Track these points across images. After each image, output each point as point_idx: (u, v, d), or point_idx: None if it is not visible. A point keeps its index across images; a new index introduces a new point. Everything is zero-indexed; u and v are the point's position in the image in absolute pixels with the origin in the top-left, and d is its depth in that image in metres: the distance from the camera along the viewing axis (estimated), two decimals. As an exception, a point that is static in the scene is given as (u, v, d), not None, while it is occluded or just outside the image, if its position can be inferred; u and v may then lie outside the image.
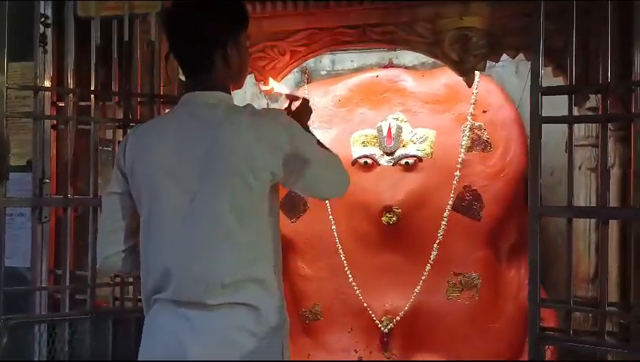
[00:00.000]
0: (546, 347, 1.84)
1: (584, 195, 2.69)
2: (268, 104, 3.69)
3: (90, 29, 2.24)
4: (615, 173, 2.19)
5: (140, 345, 1.34)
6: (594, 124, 2.18)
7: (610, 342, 1.87)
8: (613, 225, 2.16)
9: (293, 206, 3.16)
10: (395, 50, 3.20)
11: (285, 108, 1.57)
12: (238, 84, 1.44)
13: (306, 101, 1.58)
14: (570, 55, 1.89)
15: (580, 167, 2.84)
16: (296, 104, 1.58)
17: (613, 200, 2.17)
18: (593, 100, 2.11)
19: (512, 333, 2.90)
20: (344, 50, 3.29)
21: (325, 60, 3.49)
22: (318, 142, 1.43)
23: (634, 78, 1.87)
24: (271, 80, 1.89)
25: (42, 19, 2.30)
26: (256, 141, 1.26)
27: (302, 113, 1.55)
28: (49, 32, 2.33)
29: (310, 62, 3.43)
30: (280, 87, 1.85)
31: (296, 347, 3.12)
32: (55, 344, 2.22)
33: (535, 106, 1.87)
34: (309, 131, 1.51)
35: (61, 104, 2.34)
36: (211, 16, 1.32)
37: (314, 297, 3.17)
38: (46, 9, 2.36)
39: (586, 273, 2.57)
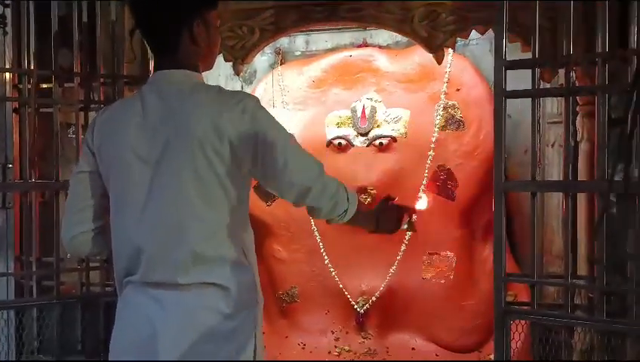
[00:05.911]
0: (511, 321, 1.84)
1: (557, 171, 2.70)
2: (242, 86, 3.65)
3: (50, 9, 2.17)
4: (583, 147, 2.19)
5: (113, 328, 1.32)
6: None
7: (576, 314, 1.88)
8: (582, 201, 2.16)
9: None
10: (366, 30, 3.16)
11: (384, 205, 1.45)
12: (208, 64, 1.40)
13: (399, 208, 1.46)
14: (535, 29, 1.87)
15: (552, 145, 2.84)
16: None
17: (582, 175, 2.17)
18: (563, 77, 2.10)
19: (488, 310, 2.91)
20: (318, 30, 3.25)
21: (299, 41, 3.45)
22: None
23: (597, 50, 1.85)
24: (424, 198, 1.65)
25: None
26: (218, 118, 1.23)
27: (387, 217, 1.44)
28: (8, 12, 2.27)
29: (284, 43, 3.39)
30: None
31: (273, 329, 3.11)
32: (22, 330, 2.18)
33: (499, 80, 1.85)
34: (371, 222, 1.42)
35: (22, 86, 2.28)
36: None
37: (290, 280, 3.17)
38: (5, -11, 2.29)
39: (560, 249, 2.58)
